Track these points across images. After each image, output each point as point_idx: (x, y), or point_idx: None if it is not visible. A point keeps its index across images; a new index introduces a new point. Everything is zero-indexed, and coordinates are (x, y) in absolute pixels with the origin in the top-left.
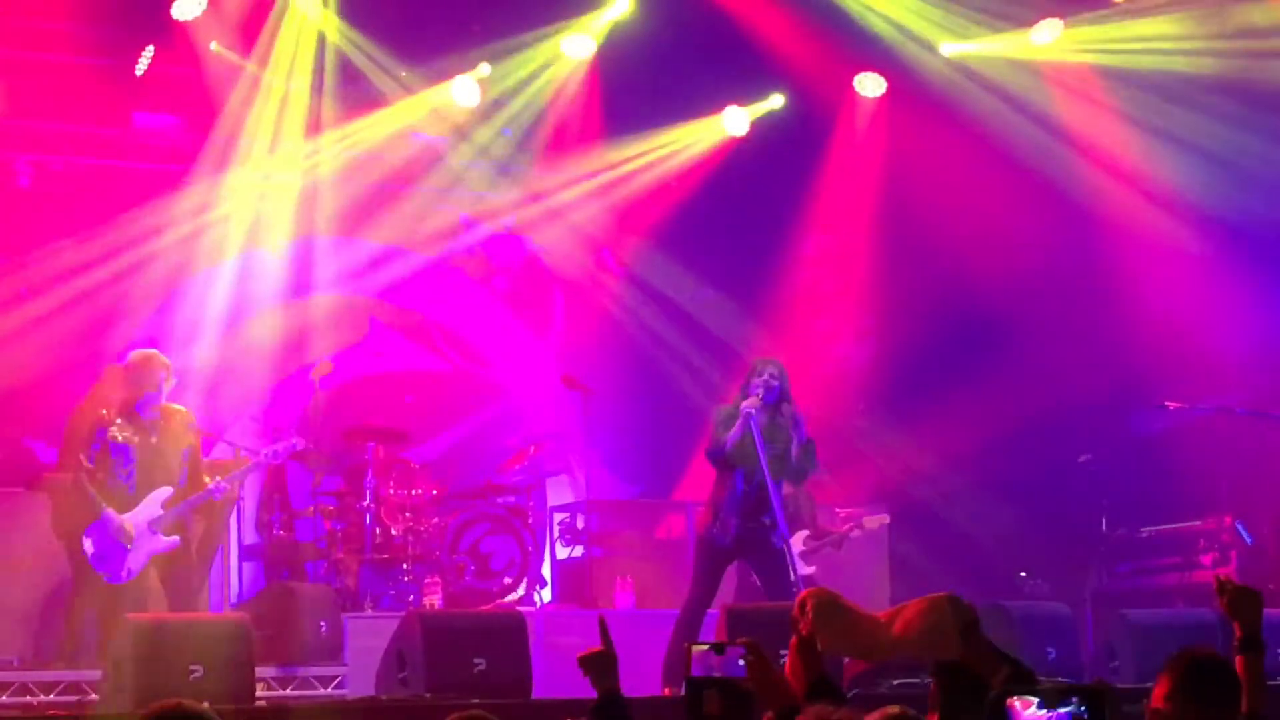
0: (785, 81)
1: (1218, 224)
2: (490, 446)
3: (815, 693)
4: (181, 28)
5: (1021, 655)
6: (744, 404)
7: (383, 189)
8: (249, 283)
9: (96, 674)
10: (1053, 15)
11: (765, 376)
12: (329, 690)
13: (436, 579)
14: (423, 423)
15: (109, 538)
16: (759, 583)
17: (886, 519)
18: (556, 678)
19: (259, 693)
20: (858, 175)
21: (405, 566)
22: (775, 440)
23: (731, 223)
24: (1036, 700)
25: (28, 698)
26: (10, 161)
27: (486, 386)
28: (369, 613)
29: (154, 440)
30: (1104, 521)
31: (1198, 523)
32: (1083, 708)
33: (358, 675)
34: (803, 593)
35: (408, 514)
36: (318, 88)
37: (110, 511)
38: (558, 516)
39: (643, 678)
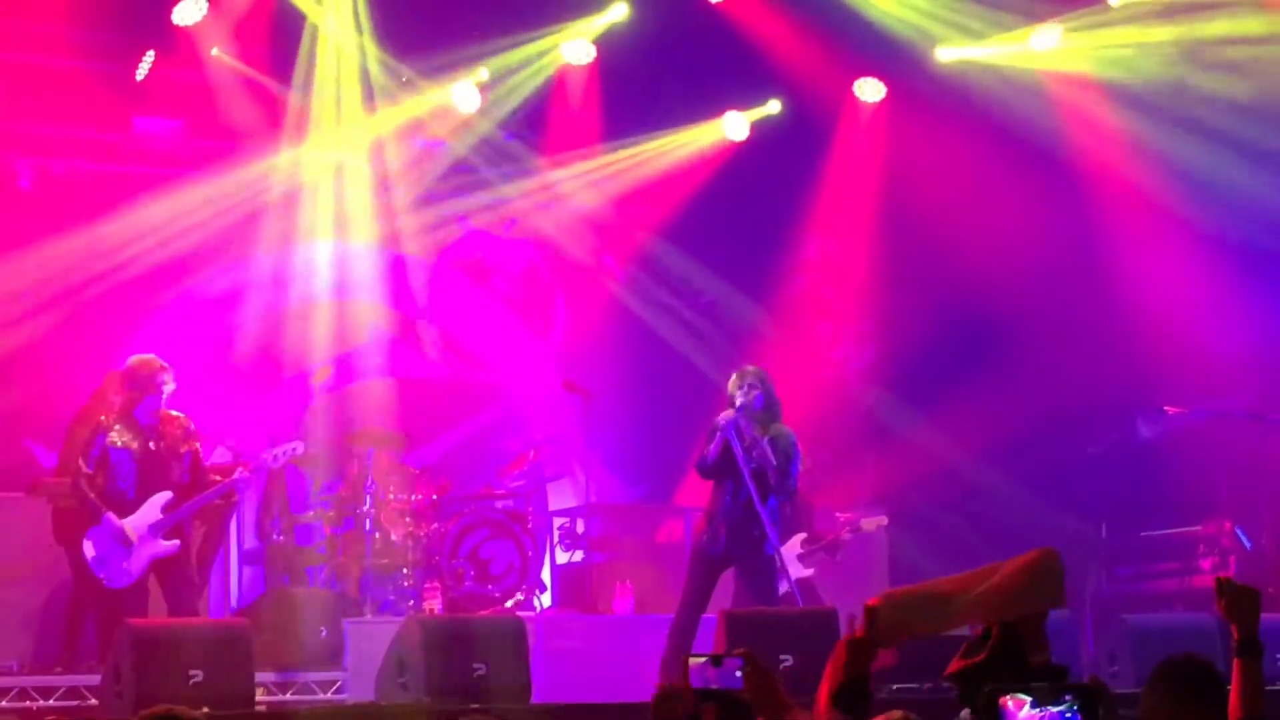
0: (785, 87)
1: (1218, 228)
2: (490, 451)
3: (846, 692)
4: (182, 32)
5: None
6: (720, 417)
7: (382, 192)
8: (250, 286)
9: (96, 679)
10: (1051, 16)
11: (745, 388)
12: (329, 695)
13: (436, 584)
14: (423, 427)
15: (109, 541)
16: (747, 591)
17: (884, 520)
18: (556, 683)
19: (258, 697)
20: (858, 180)
21: (405, 571)
22: (760, 451)
23: (733, 227)
24: (1029, 699)
25: (27, 703)
26: (11, 164)
27: (486, 391)
28: (369, 617)
29: (153, 445)
30: (1104, 526)
31: (1197, 527)
32: (1075, 706)
33: (357, 680)
34: (871, 603)
35: (408, 519)
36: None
37: (111, 515)
38: (558, 521)
39: (642, 682)
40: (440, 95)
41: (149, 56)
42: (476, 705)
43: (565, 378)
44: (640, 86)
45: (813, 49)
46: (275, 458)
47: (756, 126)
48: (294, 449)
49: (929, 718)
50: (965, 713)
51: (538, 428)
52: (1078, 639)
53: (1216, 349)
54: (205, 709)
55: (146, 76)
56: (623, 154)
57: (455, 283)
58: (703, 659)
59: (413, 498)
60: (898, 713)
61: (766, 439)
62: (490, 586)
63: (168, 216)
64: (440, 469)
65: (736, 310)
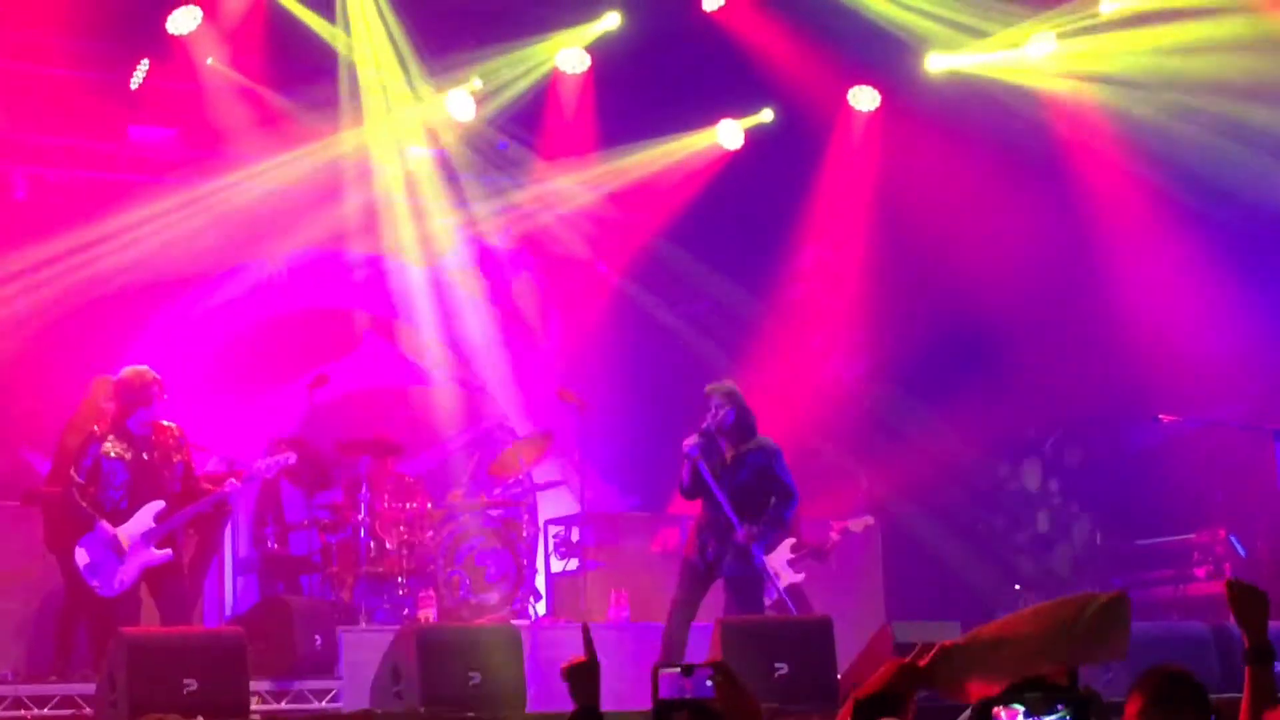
0: (780, 94)
1: (1211, 235)
2: (485, 460)
3: (872, 705)
4: (177, 42)
5: None
6: (685, 443)
7: (377, 200)
8: (245, 294)
9: (91, 688)
10: (1041, 12)
11: (713, 407)
12: (323, 704)
13: (431, 592)
14: (417, 436)
15: (102, 550)
16: (733, 602)
17: (870, 520)
18: (551, 691)
19: (253, 706)
20: (853, 188)
21: (400, 580)
22: (736, 469)
23: (727, 236)
24: (1022, 709)
25: (22, 711)
26: (7, 174)
27: (480, 400)
28: (364, 626)
29: (146, 456)
30: (1099, 533)
31: (1192, 536)
32: (1068, 716)
33: (352, 689)
34: (947, 645)
35: (402, 527)
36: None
37: (104, 523)
38: (553, 529)
39: (637, 690)
40: (436, 105)
41: (144, 65)
42: (471, 714)
43: (560, 386)
44: (635, 94)
45: (807, 57)
46: (268, 468)
47: (751, 134)
48: (286, 459)
49: None
50: (966, 715)
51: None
52: None
53: (1211, 358)
54: (199, 718)
55: (141, 85)
56: (618, 162)
57: (450, 290)
58: (675, 669)
59: (407, 506)
60: None
61: (747, 452)
62: (485, 595)
63: (163, 224)
64: (435, 478)
65: (732, 318)
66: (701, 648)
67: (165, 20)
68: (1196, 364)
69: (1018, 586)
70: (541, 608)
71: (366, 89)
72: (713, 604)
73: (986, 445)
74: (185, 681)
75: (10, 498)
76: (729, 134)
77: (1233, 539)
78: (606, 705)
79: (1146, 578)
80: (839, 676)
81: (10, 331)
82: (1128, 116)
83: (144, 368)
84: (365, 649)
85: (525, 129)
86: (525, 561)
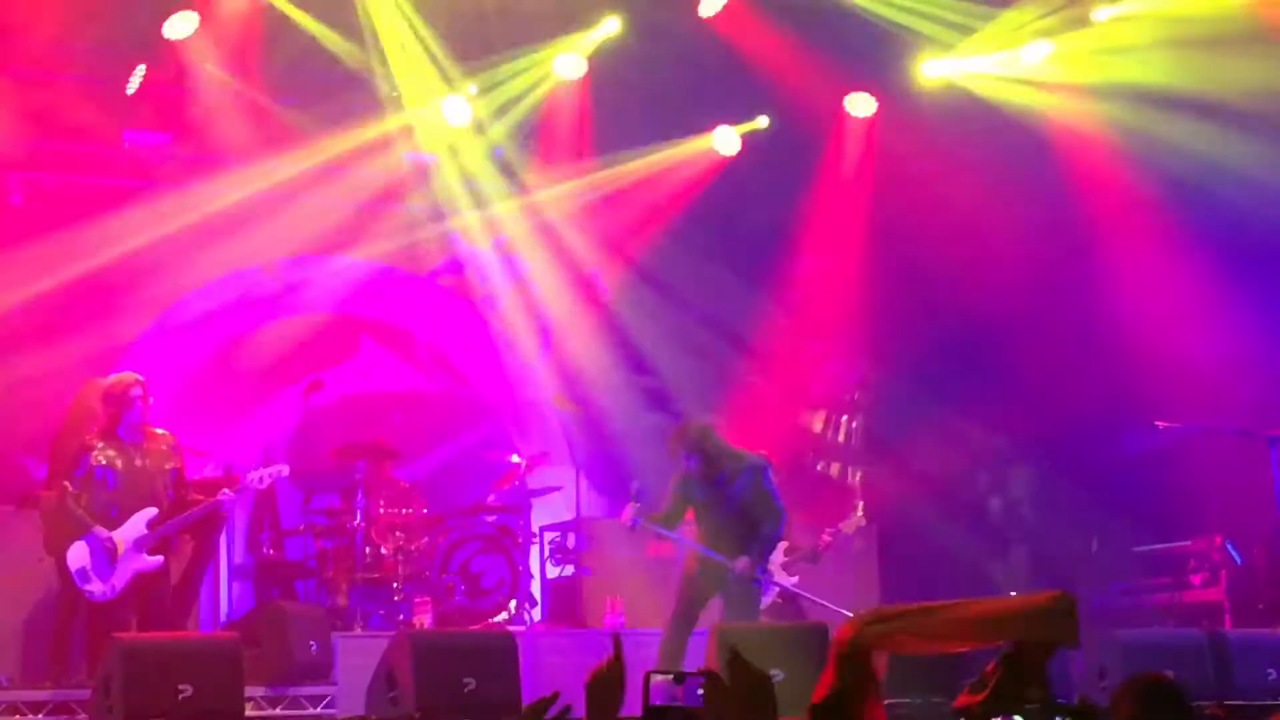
0: (777, 101)
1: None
2: (480, 466)
3: (825, 709)
4: (173, 47)
5: None
6: (623, 518)
7: (373, 207)
8: (241, 299)
9: (86, 693)
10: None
11: (682, 455)
12: (319, 710)
13: (427, 598)
14: (413, 442)
15: (94, 555)
16: (728, 610)
17: (863, 521)
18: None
19: (248, 712)
20: (849, 195)
21: (395, 586)
22: (729, 491)
23: (723, 242)
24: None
25: (17, 717)
26: (3, 179)
27: (476, 406)
28: (359, 632)
29: (137, 463)
30: (1095, 540)
31: (1188, 543)
32: None
33: (348, 695)
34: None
35: (398, 533)
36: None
37: (98, 529)
38: (548, 535)
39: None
40: (431, 110)
41: (140, 70)
42: None
43: (555, 393)
44: (632, 100)
45: (804, 63)
46: (260, 479)
47: (748, 140)
48: (279, 471)
49: None
50: None
51: (527, 443)
52: (1068, 654)
53: (1208, 365)
54: None
55: (137, 90)
56: (614, 168)
57: (445, 297)
58: (667, 676)
59: (403, 512)
60: None
61: (737, 474)
62: (481, 601)
63: (159, 229)
64: (430, 483)
65: (727, 325)
66: (697, 653)
67: (161, 25)
68: (1193, 371)
69: (1013, 594)
70: (537, 614)
71: (363, 93)
72: (711, 607)
73: (983, 451)
74: (180, 687)
75: (6, 502)
76: (725, 140)
77: (1229, 546)
78: None
79: (1143, 584)
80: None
81: (5, 336)
82: (1123, 123)
83: (127, 374)
84: (361, 655)
85: (521, 134)
86: (520, 568)
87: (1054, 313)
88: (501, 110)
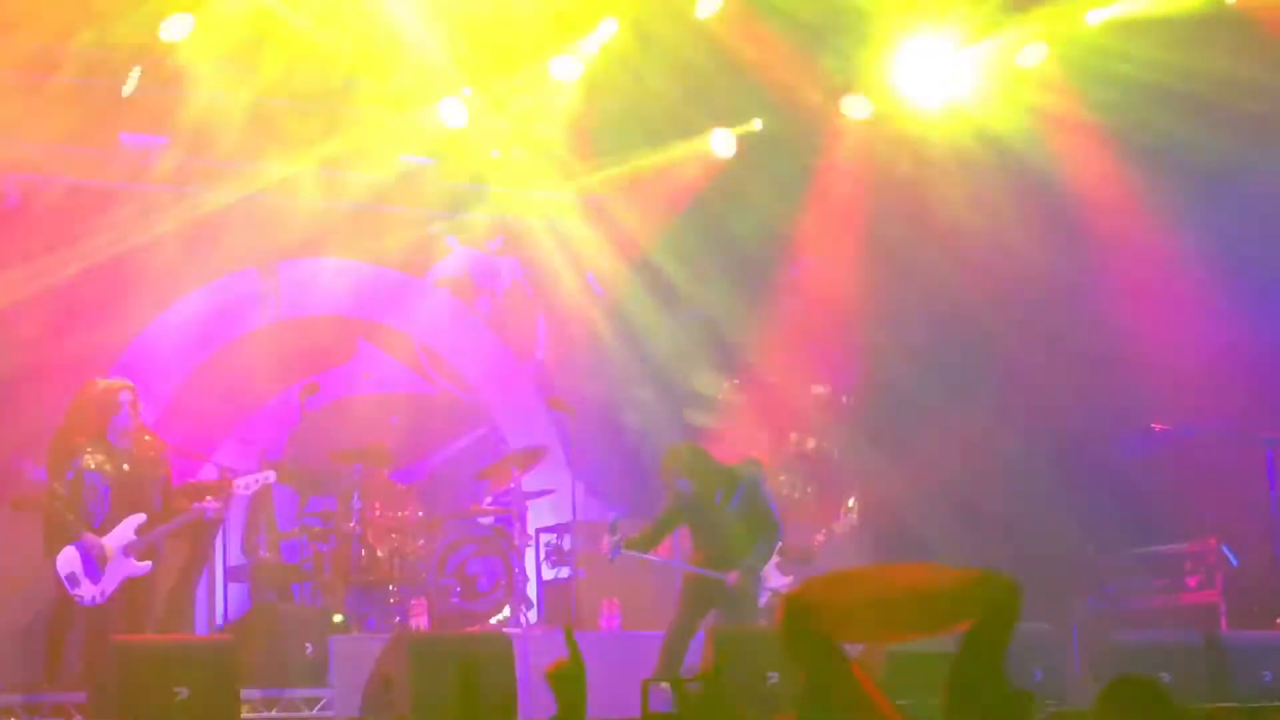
0: (772, 103)
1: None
2: (476, 468)
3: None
4: (170, 49)
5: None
6: (603, 550)
7: (370, 210)
8: (238, 302)
9: (82, 696)
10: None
11: (672, 480)
12: (314, 712)
13: (422, 600)
14: (409, 444)
15: (84, 560)
16: (724, 614)
17: (854, 520)
18: (542, 700)
19: (244, 715)
20: (845, 198)
21: (391, 588)
22: (727, 506)
23: (718, 246)
24: None
25: None
26: None
27: (471, 408)
28: (355, 634)
29: (126, 468)
30: (1091, 543)
31: (1184, 545)
32: None
33: (344, 697)
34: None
35: (394, 535)
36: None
37: (89, 535)
38: (544, 538)
39: (629, 699)
40: (427, 113)
41: (136, 72)
42: None
43: (550, 395)
44: (627, 102)
45: (800, 65)
46: (246, 485)
47: (744, 142)
48: (265, 478)
49: None
50: None
51: (522, 446)
52: (1064, 657)
53: (1203, 367)
54: None
55: (133, 92)
56: (609, 171)
57: (442, 300)
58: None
59: (399, 514)
60: None
61: (732, 490)
62: (476, 603)
63: (155, 231)
64: (426, 486)
65: (721, 328)
66: (693, 654)
67: (158, 27)
68: (1188, 373)
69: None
70: (533, 616)
71: (360, 96)
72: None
73: (978, 455)
74: (176, 689)
75: (1, 504)
76: (721, 142)
77: (1225, 548)
78: (598, 712)
79: (1139, 586)
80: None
81: (3, 337)
82: (1120, 124)
83: (116, 380)
84: (357, 657)
85: (517, 138)
86: (516, 569)
87: (1050, 314)
88: (497, 112)
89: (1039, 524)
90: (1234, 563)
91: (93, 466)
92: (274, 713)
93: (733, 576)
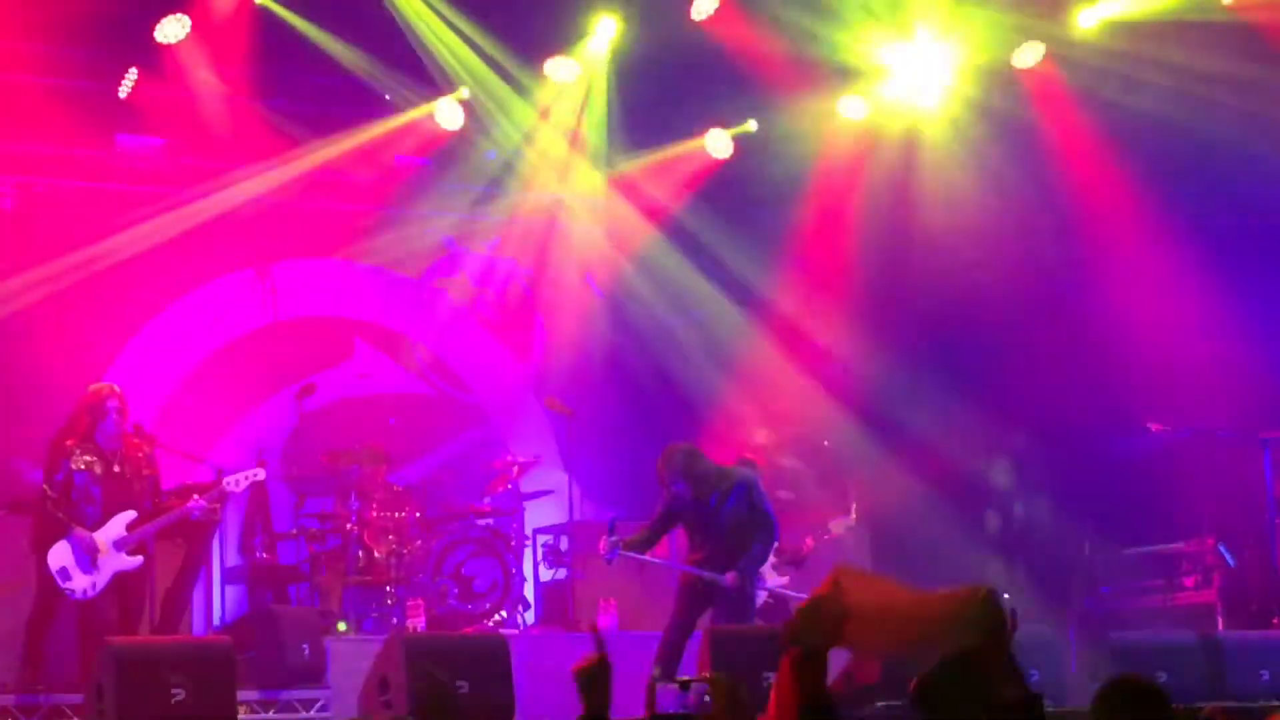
0: (769, 104)
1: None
2: (473, 469)
3: (809, 716)
4: (165, 50)
5: None
6: (601, 550)
7: (367, 211)
8: (235, 303)
9: (79, 697)
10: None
11: (667, 483)
12: (311, 713)
13: (420, 601)
14: (406, 446)
15: (76, 555)
16: (721, 614)
17: (851, 521)
18: (539, 700)
19: (241, 716)
20: (842, 198)
21: (388, 589)
22: (722, 508)
23: (716, 246)
24: None
25: None
26: None
27: (469, 410)
28: (352, 635)
29: (116, 469)
30: (1088, 543)
31: (1181, 545)
32: None
33: (340, 698)
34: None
35: (391, 536)
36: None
37: (80, 530)
38: (541, 538)
39: (625, 700)
40: (424, 114)
41: (132, 74)
42: None
43: (547, 396)
44: (625, 103)
45: (797, 65)
46: (237, 483)
47: (741, 143)
48: (255, 474)
49: None
50: None
51: (520, 446)
52: (1062, 657)
53: (1200, 367)
54: None
55: (130, 94)
56: (607, 172)
57: (439, 301)
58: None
59: (396, 515)
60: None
61: (728, 491)
62: (473, 604)
63: (152, 233)
64: (424, 487)
65: (720, 328)
66: (690, 655)
67: (153, 29)
68: (1185, 373)
69: (1006, 595)
70: (530, 617)
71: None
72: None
73: (975, 455)
74: (173, 691)
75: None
76: (718, 143)
77: (1221, 548)
78: None
79: (1136, 586)
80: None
81: None
82: (1117, 124)
83: (104, 385)
84: (353, 658)
85: (515, 139)
86: (513, 570)
87: (1047, 314)
88: (494, 113)
89: (1035, 523)
90: (1231, 563)
91: (82, 467)
92: (271, 714)
93: (730, 577)
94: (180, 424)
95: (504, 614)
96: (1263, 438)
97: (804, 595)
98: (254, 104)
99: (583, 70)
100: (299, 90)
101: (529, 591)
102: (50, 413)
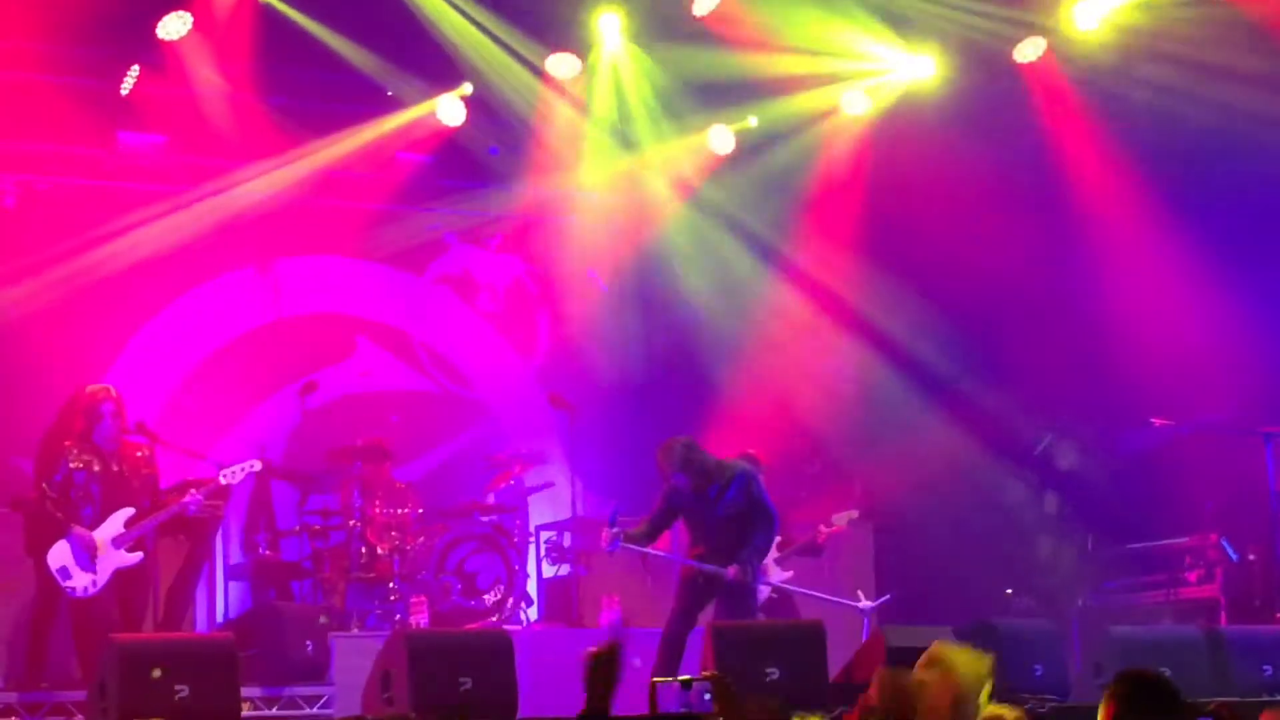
0: (772, 99)
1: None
2: (476, 466)
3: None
4: (167, 47)
5: (1009, 672)
6: (603, 544)
7: (369, 208)
8: (238, 300)
9: (82, 695)
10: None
11: (669, 474)
12: (315, 710)
13: (423, 598)
14: (409, 442)
15: (75, 553)
16: (723, 609)
17: (855, 514)
18: (543, 697)
19: (244, 713)
20: (844, 193)
21: (391, 585)
22: (721, 501)
23: (718, 241)
24: None
25: (13, 719)
26: None
27: (472, 406)
28: (355, 632)
29: (114, 468)
30: (1090, 538)
31: (1184, 540)
32: None
33: (344, 695)
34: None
35: (394, 533)
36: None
37: (79, 528)
38: (544, 535)
39: (627, 696)
40: (425, 110)
41: (134, 71)
42: None
43: (551, 392)
44: (624, 100)
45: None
46: (231, 475)
47: (743, 138)
48: (250, 466)
49: None
50: None
51: (523, 442)
52: (1065, 651)
53: (1203, 361)
54: None
55: (131, 91)
56: (608, 168)
57: (441, 297)
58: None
59: (399, 512)
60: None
61: (728, 483)
62: (476, 600)
63: (154, 230)
64: (426, 483)
65: (722, 324)
66: (692, 652)
67: (155, 26)
68: (1188, 368)
69: (1009, 590)
70: (533, 613)
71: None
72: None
73: (979, 449)
74: (176, 688)
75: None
76: (720, 138)
77: (1224, 543)
78: None
79: (1139, 581)
80: (830, 681)
81: (0, 337)
82: (1118, 118)
83: (99, 387)
84: (356, 655)
85: (515, 134)
86: (516, 567)
87: (1050, 309)
88: (497, 109)
89: (1037, 517)
90: (1234, 557)
91: (80, 466)
92: (274, 711)
93: (731, 570)
94: (183, 421)
95: (507, 609)
96: (1266, 432)
97: (805, 590)
98: (256, 101)
99: (586, 65)
100: (301, 87)
101: (532, 588)
102: (52, 411)
